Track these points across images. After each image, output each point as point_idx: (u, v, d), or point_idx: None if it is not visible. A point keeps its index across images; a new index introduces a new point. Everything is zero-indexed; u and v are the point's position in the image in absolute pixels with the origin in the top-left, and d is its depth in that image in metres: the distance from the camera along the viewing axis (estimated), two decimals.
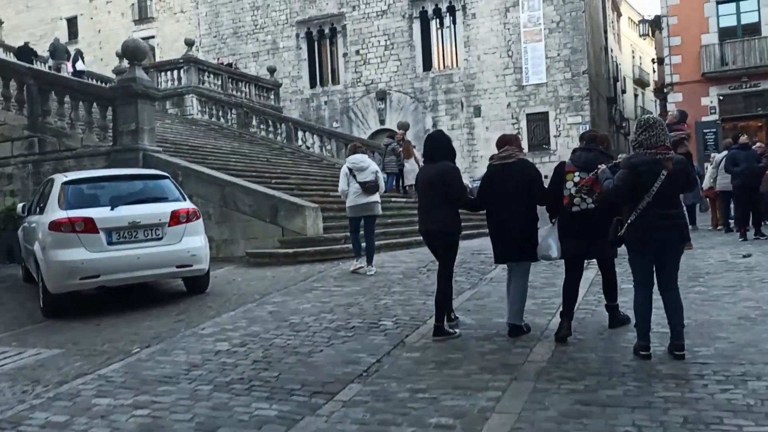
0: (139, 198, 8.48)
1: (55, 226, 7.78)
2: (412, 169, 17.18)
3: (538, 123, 31.44)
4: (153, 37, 40.00)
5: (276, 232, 11.45)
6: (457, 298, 7.27)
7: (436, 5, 33.06)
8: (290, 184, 15.91)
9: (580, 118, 30.59)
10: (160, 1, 39.88)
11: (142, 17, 40.28)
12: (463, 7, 32.47)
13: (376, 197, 9.61)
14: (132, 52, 12.47)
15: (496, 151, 6.18)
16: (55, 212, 7.99)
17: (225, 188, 11.82)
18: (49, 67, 23.73)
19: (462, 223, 6.35)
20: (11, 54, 25.50)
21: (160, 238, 8.13)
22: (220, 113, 25.19)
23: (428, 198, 6.22)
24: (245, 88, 28.82)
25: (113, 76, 28.00)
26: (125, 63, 28.41)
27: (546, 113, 31.19)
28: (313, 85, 35.73)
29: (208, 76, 26.94)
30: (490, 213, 6.10)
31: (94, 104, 12.85)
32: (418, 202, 6.63)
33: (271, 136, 24.60)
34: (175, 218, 8.22)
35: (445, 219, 6.11)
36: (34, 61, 26.07)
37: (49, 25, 43.79)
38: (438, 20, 33.43)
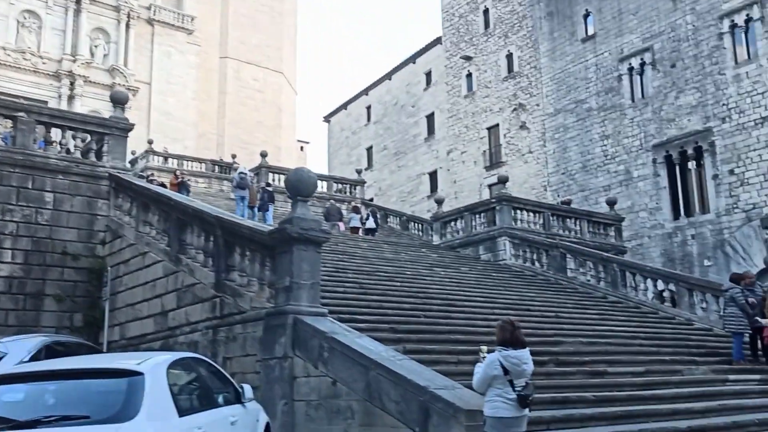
0: (69, 413, 5.03)
1: None
2: None
3: None
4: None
5: None
6: None
7: None
8: (554, 355, 11.00)
9: None
10: (509, 145, 38.37)
11: (493, 163, 39.13)
12: None
13: None
14: (294, 187, 9.68)
15: None
16: None
17: (369, 372, 7.73)
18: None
19: None
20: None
21: None
22: (534, 257, 21.10)
23: None
24: (575, 225, 24.35)
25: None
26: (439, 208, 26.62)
27: None
28: (676, 217, 29.23)
29: (528, 215, 23.37)
30: None
31: (264, 255, 10.25)
32: None
33: (592, 281, 19.51)
34: None
35: None
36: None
37: (415, 180, 45.81)
38: None
